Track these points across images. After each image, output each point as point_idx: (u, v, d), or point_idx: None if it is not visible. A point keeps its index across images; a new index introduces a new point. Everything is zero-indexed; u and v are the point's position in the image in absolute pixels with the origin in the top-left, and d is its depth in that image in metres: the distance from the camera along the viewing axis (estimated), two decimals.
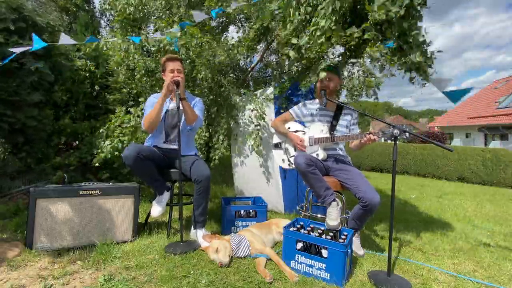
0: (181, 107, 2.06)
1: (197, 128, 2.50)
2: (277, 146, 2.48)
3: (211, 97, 3.16)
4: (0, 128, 2.68)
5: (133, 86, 3.49)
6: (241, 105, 3.29)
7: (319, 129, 2.23)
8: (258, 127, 3.00)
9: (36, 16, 2.75)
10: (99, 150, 3.08)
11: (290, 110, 2.42)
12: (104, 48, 3.24)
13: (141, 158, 2.01)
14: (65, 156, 3.31)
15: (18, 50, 2.15)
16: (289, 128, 2.39)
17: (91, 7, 8.29)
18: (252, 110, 2.99)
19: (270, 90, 3.15)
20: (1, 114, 2.63)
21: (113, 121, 3.22)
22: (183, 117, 2.27)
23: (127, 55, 3.20)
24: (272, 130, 2.76)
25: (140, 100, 3.32)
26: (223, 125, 3.17)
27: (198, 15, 2.41)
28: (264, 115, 3.00)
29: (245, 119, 3.24)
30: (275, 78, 3.04)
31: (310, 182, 2.02)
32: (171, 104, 2.29)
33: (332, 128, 2.24)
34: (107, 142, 3.05)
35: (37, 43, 2.15)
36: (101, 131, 3.24)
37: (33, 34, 2.18)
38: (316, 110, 2.32)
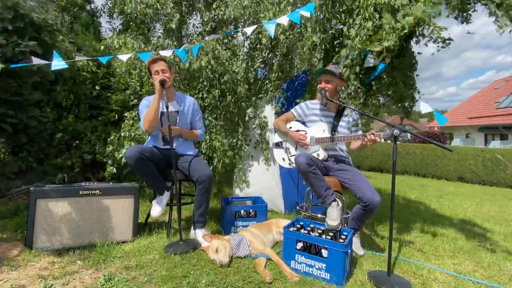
0: (170, 109, 2.12)
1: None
2: (278, 145, 2.48)
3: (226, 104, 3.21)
4: (3, 129, 2.66)
5: (139, 87, 3.53)
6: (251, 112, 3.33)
7: (321, 129, 2.23)
8: (264, 136, 3.14)
9: (32, 14, 2.73)
10: (116, 157, 3.10)
11: (292, 110, 2.43)
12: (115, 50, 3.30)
13: (143, 159, 2.03)
14: (67, 157, 3.31)
15: (36, 62, 2.19)
16: (290, 127, 2.40)
17: (92, 7, 8.29)
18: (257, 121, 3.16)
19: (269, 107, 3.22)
20: (3, 114, 2.62)
21: (125, 124, 3.25)
22: (177, 118, 2.30)
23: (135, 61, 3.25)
24: (273, 129, 2.78)
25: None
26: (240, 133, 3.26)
27: (211, 36, 2.54)
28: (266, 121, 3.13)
29: (254, 126, 3.28)
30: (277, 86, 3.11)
31: (311, 182, 2.03)
32: (164, 107, 2.29)
33: (333, 129, 2.25)
34: (124, 148, 3.08)
35: (56, 58, 2.25)
36: (112, 138, 3.24)
37: (54, 52, 2.26)
38: (318, 110, 2.32)
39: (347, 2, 2.11)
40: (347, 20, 2.12)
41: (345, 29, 2.12)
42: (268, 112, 3.19)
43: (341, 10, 2.19)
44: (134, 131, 3.15)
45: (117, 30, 5.14)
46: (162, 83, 2.07)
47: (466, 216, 3.64)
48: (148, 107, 2.20)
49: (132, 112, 3.31)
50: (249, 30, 2.42)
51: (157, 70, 2.18)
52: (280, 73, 3.07)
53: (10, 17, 2.48)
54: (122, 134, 3.14)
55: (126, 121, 3.25)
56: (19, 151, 3.14)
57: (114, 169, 3.12)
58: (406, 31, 1.80)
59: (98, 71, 3.71)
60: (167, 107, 1.97)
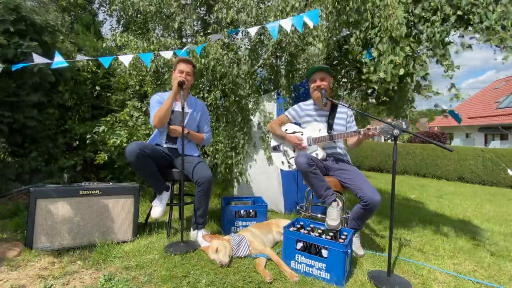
0: (186, 109, 2.15)
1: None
2: (275, 148, 2.48)
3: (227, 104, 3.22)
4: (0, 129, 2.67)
5: (138, 87, 3.53)
6: (252, 108, 3.33)
7: (317, 129, 2.23)
8: (266, 134, 3.15)
9: (34, 15, 2.74)
10: (109, 141, 3.08)
11: (286, 113, 2.43)
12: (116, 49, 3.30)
13: (143, 155, 2.03)
14: (70, 157, 3.31)
15: (38, 60, 2.19)
16: (286, 130, 2.39)
17: (93, 7, 8.27)
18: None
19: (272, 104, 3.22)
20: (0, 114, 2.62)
21: (124, 112, 3.24)
22: (187, 119, 2.31)
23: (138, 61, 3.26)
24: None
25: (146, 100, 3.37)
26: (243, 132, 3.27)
27: (214, 37, 2.49)
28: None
29: (255, 123, 3.28)
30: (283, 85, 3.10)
31: (311, 182, 2.03)
32: (176, 106, 2.31)
33: (329, 127, 2.25)
34: (120, 132, 3.07)
35: (58, 57, 2.24)
36: (108, 119, 3.25)
37: (56, 52, 2.27)
38: (312, 110, 2.33)
39: (355, 10, 2.15)
40: (353, 30, 2.17)
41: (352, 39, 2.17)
42: (271, 108, 3.19)
43: (347, 20, 2.24)
44: (130, 119, 3.17)
45: (119, 29, 5.14)
46: (181, 84, 2.14)
47: (466, 216, 3.64)
48: (159, 103, 2.25)
49: (134, 102, 3.31)
50: (252, 30, 2.42)
51: (182, 70, 2.23)
52: (285, 82, 3.08)
53: (12, 19, 2.48)
54: (120, 118, 3.16)
55: (126, 108, 3.26)
56: (29, 152, 3.14)
57: (106, 156, 3.12)
58: None
59: (98, 71, 3.71)
60: (182, 108, 2.03)
